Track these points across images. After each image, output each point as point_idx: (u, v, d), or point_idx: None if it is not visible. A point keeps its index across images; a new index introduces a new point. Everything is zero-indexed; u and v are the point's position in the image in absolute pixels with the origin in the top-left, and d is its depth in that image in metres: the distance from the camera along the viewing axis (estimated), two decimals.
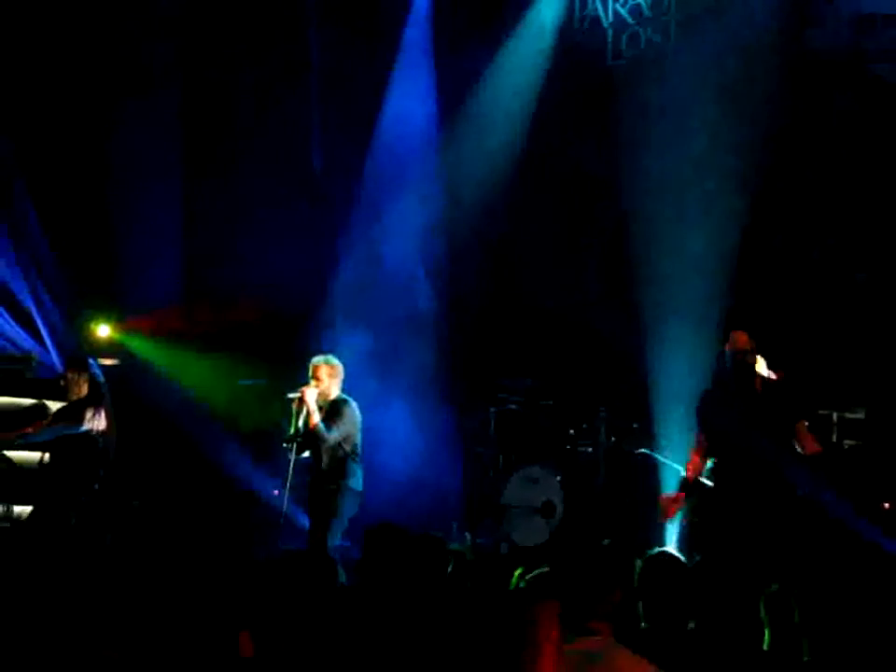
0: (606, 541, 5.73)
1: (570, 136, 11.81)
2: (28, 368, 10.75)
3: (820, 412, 9.57)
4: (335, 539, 8.86)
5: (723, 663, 4.84)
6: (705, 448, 8.21)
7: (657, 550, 5.53)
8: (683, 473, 9.16)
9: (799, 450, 7.93)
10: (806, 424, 8.11)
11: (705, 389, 8.52)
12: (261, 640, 4.43)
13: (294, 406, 8.93)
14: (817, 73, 11.13)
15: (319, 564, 5.32)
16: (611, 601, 4.61)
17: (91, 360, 9.18)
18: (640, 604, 5.06)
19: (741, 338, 8.19)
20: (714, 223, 10.97)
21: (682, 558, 5.48)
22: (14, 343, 11.54)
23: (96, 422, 8.82)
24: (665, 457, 10.06)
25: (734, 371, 8.11)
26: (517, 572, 5.64)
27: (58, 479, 8.82)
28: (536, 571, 5.39)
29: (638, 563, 5.18)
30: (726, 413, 8.10)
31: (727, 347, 8.31)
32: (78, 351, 10.70)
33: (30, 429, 9.08)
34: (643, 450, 10.26)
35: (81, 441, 8.77)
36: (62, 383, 9.11)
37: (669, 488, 9.78)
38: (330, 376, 9.06)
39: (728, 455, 8.09)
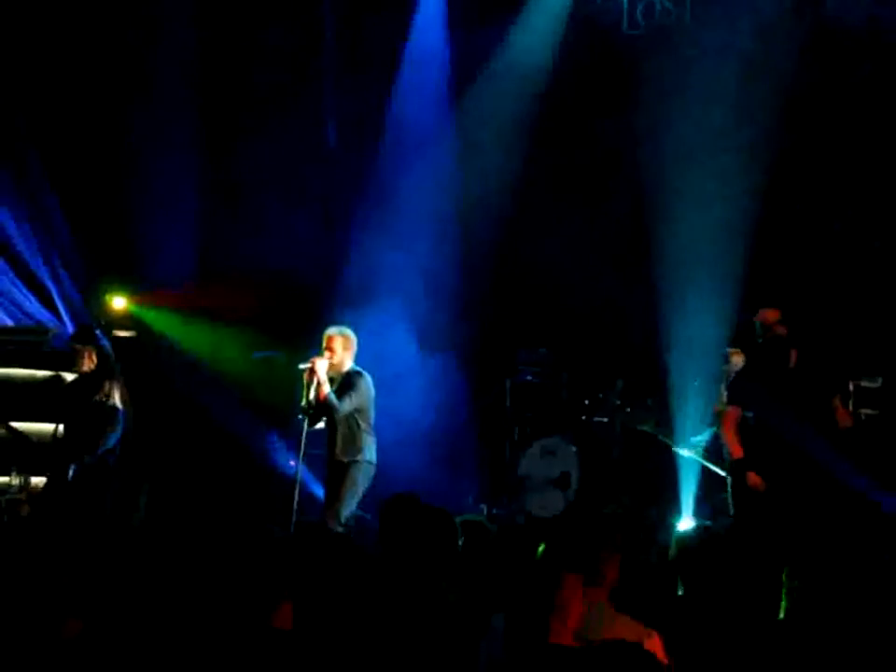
0: (607, 510, 5.77)
1: (586, 106, 11.74)
2: (45, 340, 10.78)
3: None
4: (350, 510, 8.88)
5: (740, 630, 4.85)
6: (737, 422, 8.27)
7: (692, 526, 5.57)
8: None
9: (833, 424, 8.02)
10: (839, 398, 8.19)
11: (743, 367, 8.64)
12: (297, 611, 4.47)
13: (305, 377, 8.93)
14: (835, 43, 11.05)
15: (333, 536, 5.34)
16: (610, 567, 4.65)
17: (97, 332, 9.21)
18: (678, 575, 5.09)
19: (771, 316, 8.27)
20: (733, 194, 10.93)
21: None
22: (31, 316, 11.59)
23: (115, 394, 8.84)
24: (666, 437, 10.09)
25: (765, 347, 8.17)
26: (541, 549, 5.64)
27: (73, 452, 8.84)
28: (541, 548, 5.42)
29: (675, 535, 5.21)
30: (759, 389, 8.16)
31: (757, 321, 8.38)
32: (84, 323, 10.66)
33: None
34: (645, 427, 10.28)
35: (95, 413, 8.80)
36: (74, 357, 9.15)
37: (685, 460, 9.81)
38: (344, 348, 9.04)
39: (760, 429, 8.14)
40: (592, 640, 4.36)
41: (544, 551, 5.07)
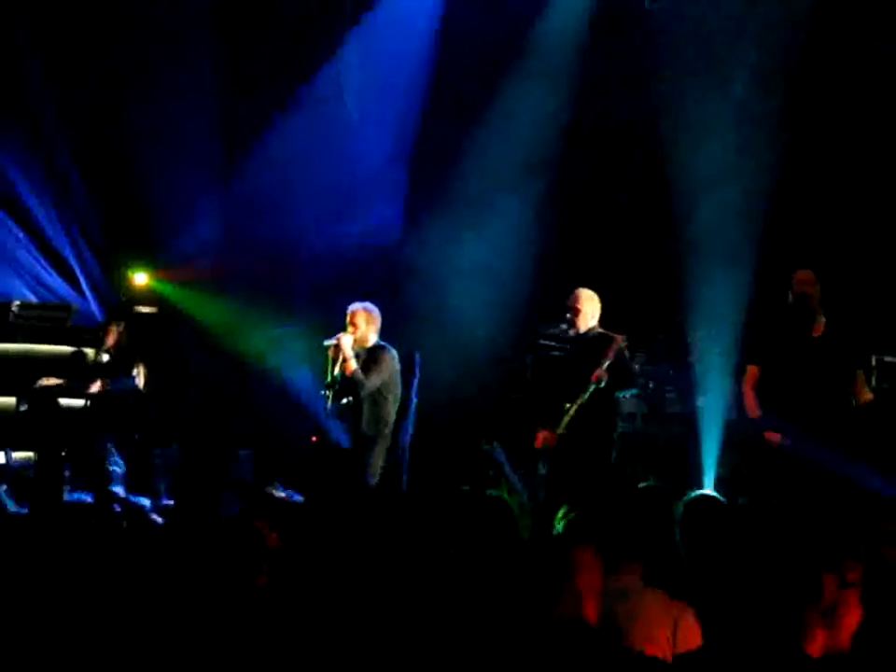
0: (642, 485, 5.74)
1: (608, 81, 11.68)
2: (67, 317, 10.84)
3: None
4: (374, 480, 8.91)
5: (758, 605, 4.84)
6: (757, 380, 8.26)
7: (698, 492, 5.54)
8: None
9: (853, 397, 8.00)
10: (863, 373, 8.17)
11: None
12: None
13: (330, 353, 8.95)
14: (856, 13, 10.97)
15: None
16: (643, 542, 4.64)
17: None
18: (682, 546, 5.07)
19: (802, 275, 8.22)
20: (754, 165, 10.89)
21: (723, 500, 5.49)
22: (54, 293, 11.65)
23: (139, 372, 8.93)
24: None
25: (793, 307, 8.15)
26: (559, 514, 5.64)
27: (99, 429, 8.93)
28: (571, 515, 5.40)
29: (679, 505, 5.19)
30: (781, 350, 8.14)
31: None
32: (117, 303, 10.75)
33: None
34: None
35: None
36: (100, 333, 9.21)
37: (709, 434, 9.79)
38: (368, 323, 9.07)
39: (776, 392, 8.12)
40: (623, 618, 4.37)
41: (569, 525, 5.07)
